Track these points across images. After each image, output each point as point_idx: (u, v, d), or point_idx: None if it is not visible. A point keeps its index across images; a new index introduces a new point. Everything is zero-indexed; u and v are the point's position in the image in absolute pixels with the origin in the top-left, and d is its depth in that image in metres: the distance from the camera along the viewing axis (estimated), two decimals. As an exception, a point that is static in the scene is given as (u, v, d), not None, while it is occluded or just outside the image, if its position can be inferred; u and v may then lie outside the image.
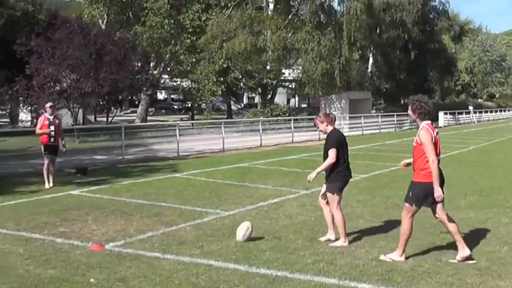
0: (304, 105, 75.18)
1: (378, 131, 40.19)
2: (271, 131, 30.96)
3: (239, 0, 43.29)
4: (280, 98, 56.84)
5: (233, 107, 63.43)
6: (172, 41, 43.66)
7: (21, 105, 35.97)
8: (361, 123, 38.74)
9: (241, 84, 51.51)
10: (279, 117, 36.55)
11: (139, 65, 37.38)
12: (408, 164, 7.98)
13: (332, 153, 8.44)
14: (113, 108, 38.91)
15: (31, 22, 34.94)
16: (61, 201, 12.43)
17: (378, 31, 56.26)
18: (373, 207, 11.57)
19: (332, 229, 8.77)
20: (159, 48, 43.96)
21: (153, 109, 68.20)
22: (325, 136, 8.81)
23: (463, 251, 7.63)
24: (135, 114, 48.99)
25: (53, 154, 14.87)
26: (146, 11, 43.75)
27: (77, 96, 31.84)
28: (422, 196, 7.47)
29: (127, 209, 11.34)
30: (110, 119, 38.22)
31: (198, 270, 7.20)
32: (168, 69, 48.92)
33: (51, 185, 14.50)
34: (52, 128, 14.70)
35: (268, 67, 43.38)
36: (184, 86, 51.92)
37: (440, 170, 7.41)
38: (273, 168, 18.23)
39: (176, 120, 40.11)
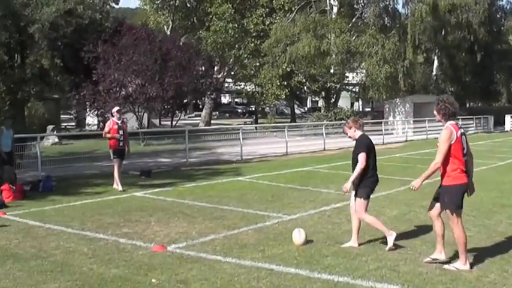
0: (368, 109, 74.38)
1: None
2: (335, 134, 30.57)
3: (303, 4, 43.13)
4: (343, 102, 56.23)
5: (297, 111, 63.26)
6: (236, 45, 43.98)
7: (87, 109, 36.82)
8: (425, 127, 37.96)
9: (305, 88, 51.23)
10: (343, 121, 36.02)
11: (203, 69, 37.67)
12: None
13: (362, 157, 8.31)
14: (177, 112, 39.25)
15: (98, 30, 35.82)
16: (125, 203, 12.63)
17: (443, 33, 54.98)
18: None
19: (356, 235, 8.64)
20: (223, 52, 44.36)
21: (217, 113, 68.81)
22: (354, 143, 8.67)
23: (439, 255, 7.60)
24: (199, 118, 49.57)
25: (120, 158, 14.99)
26: (210, 16, 44.27)
27: (142, 101, 32.28)
28: (460, 198, 7.38)
29: (189, 212, 11.40)
30: (174, 122, 38.58)
31: (259, 274, 7.15)
32: (232, 73, 49.31)
33: (121, 188, 14.57)
34: (121, 132, 14.81)
35: (331, 71, 43.02)
36: (248, 89, 52.16)
37: (468, 174, 7.41)
38: (336, 173, 18.02)
39: (240, 124, 40.24)
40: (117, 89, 32.28)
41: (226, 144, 25.62)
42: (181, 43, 36.92)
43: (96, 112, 36.26)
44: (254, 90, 49.53)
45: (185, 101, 37.90)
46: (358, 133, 8.61)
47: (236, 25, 42.98)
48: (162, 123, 43.32)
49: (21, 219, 10.82)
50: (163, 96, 32.23)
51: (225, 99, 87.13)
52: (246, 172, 18.44)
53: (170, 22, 47.50)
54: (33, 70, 34.91)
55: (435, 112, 7.61)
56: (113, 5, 43.68)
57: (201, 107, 53.33)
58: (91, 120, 40.27)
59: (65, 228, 9.91)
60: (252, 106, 64.76)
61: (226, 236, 9.29)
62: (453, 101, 7.58)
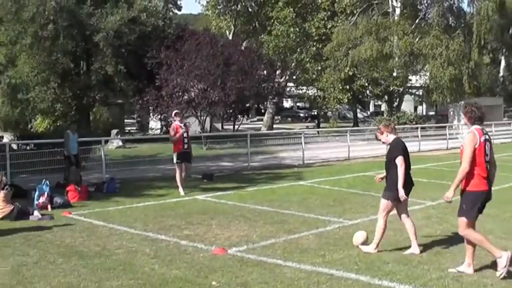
0: (431, 113, 72.97)
1: (511, 139, 38.02)
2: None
3: (365, 7, 42.60)
4: (407, 106, 55.21)
5: (359, 115, 62.61)
6: (298, 49, 43.94)
7: (151, 114, 37.52)
8: (491, 131, 36.81)
9: (367, 91, 50.66)
10: (406, 125, 35.55)
11: (265, 73, 37.79)
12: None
13: (401, 160, 8.19)
14: (239, 116, 39.61)
15: (161, 36, 36.40)
16: (187, 205, 12.79)
17: (510, 31, 53.31)
18: (503, 222, 10.82)
19: (415, 241, 8.52)
20: (284, 56, 44.40)
21: (279, 117, 68.84)
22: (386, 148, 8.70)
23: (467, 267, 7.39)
24: (261, 122, 49.69)
25: (186, 161, 14.98)
26: (272, 20, 44.35)
27: (205, 105, 32.63)
28: (477, 206, 7.22)
29: (250, 215, 11.44)
30: (236, 126, 38.89)
31: (319, 279, 7.11)
32: (294, 77, 49.25)
33: (183, 192, 14.61)
34: (185, 134, 14.82)
35: (394, 74, 42.32)
36: (310, 94, 51.93)
37: (489, 182, 7.26)
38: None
39: (302, 128, 40.21)
40: (180, 93, 32.73)
41: (288, 149, 25.59)
42: (243, 47, 37.09)
43: (159, 117, 37.03)
44: (316, 94, 49.31)
45: (247, 105, 38.18)
46: (392, 137, 8.54)
47: (298, 29, 42.94)
48: (225, 127, 43.60)
49: (85, 219, 11.19)
50: (225, 101, 32.49)
51: (287, 103, 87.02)
52: (307, 176, 18.39)
53: (232, 27, 47.83)
54: (98, 77, 35.69)
55: (462, 115, 7.60)
56: (176, 11, 44.32)
57: (263, 111, 53.53)
58: (154, 124, 40.94)
59: (128, 228, 10.14)
60: (314, 110, 64.48)
61: (287, 240, 9.28)
62: (481, 106, 7.53)
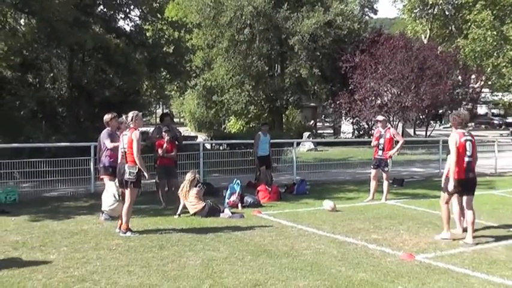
0: None
1: None
2: None
3: None
4: None
5: None
6: (495, 53, 42.16)
7: (343, 117, 37.82)
8: None
9: None
10: None
11: (460, 78, 36.50)
12: None
13: None
14: (432, 122, 38.58)
15: (356, 40, 36.70)
16: (375, 210, 12.76)
17: None
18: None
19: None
20: (480, 61, 42.50)
21: (473, 124, 65.78)
22: None
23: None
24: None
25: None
26: (469, 24, 42.74)
27: (397, 110, 32.39)
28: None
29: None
30: (428, 132, 37.88)
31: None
32: (489, 82, 46.94)
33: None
34: (381, 141, 14.21)
35: None
36: (505, 100, 49.23)
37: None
38: None
39: (495, 136, 38.14)
40: (373, 97, 32.89)
41: (480, 156, 24.19)
42: (438, 52, 36.11)
43: (351, 120, 37.09)
44: (512, 100, 46.80)
45: (440, 111, 37.02)
46: None
47: (495, 32, 40.99)
48: (417, 132, 42.67)
49: (275, 219, 11.45)
50: (418, 106, 32.00)
51: (481, 109, 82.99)
52: (499, 186, 17.58)
53: (428, 31, 46.81)
54: (292, 79, 36.65)
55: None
56: (371, 15, 44.32)
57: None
58: (346, 128, 41.17)
59: (316, 230, 10.30)
60: (508, 117, 60.85)
61: (476, 250, 8.96)
62: (462, 113, 10.01)
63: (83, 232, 9.96)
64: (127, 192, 9.65)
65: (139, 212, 11.64)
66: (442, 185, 9.78)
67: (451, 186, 9.40)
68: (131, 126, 9.67)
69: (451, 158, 9.43)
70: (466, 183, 9.53)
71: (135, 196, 9.85)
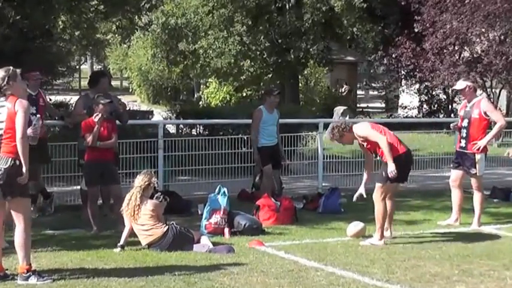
0: None
1: None
2: None
3: None
4: None
5: None
6: None
7: (403, 81, 31.81)
8: None
9: None
10: None
11: None
12: None
13: None
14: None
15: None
16: (462, 241, 9.42)
17: None
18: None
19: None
20: None
21: None
22: None
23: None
24: None
25: None
26: None
27: (499, 69, 23.59)
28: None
29: None
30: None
31: None
32: None
33: None
34: (465, 123, 10.57)
35: None
36: None
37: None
38: None
39: None
40: (456, 47, 24.64)
41: None
42: None
43: (417, 87, 30.89)
44: None
45: None
46: None
47: None
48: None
49: (287, 255, 8.05)
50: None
51: None
52: None
53: None
54: (315, 15, 29.11)
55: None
56: None
57: None
58: (407, 99, 32.77)
59: (360, 276, 7.21)
60: None
61: None
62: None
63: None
64: (13, 208, 6.62)
65: (49, 243, 8.28)
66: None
67: None
68: (7, 92, 6.93)
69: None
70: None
71: (29, 212, 6.87)
